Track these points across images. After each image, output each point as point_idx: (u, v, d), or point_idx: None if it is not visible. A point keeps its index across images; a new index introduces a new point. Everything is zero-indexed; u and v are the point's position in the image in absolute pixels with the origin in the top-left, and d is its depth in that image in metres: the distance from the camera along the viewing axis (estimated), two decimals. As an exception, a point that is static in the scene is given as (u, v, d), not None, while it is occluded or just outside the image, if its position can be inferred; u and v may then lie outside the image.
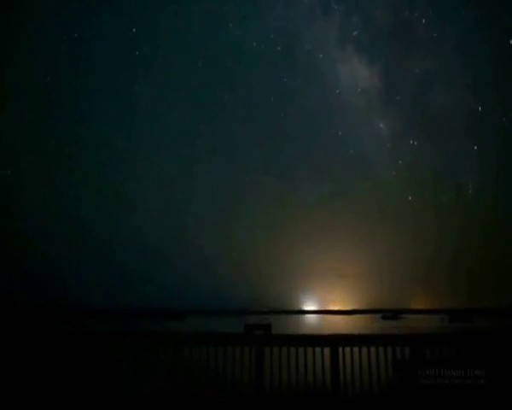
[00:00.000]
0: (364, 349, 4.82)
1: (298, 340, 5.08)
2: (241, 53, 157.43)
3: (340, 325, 64.42)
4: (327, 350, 4.86)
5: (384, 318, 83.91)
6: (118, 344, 5.19)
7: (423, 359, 4.82)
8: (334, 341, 4.93)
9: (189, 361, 4.97)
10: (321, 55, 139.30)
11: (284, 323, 63.65)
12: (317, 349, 4.88)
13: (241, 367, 4.90)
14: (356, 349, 4.84)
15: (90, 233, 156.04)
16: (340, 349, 4.85)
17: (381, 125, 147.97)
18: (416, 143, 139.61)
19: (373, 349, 4.80)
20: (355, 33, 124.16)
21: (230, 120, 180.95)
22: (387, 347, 4.81)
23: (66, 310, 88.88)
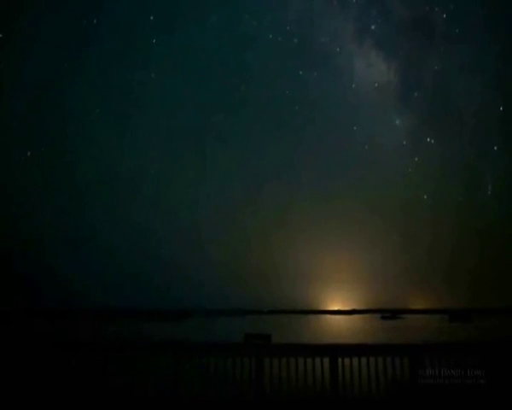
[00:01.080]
0: (363, 359, 4.86)
1: (297, 350, 5.12)
2: (258, 44, 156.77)
3: (340, 324, 64.37)
4: (326, 360, 4.90)
5: (383, 318, 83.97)
6: (118, 354, 5.24)
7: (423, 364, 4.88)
8: (334, 351, 4.98)
9: (190, 371, 5.01)
10: (337, 49, 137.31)
11: (285, 324, 63.56)
12: (317, 359, 4.92)
13: (241, 377, 4.94)
14: (355, 359, 4.87)
15: (91, 234, 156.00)
16: (340, 359, 4.89)
17: (398, 122, 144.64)
18: (433, 141, 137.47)
19: (372, 359, 4.84)
20: (373, 27, 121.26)
21: (245, 111, 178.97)
22: (386, 357, 4.85)
23: (66, 310, 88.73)
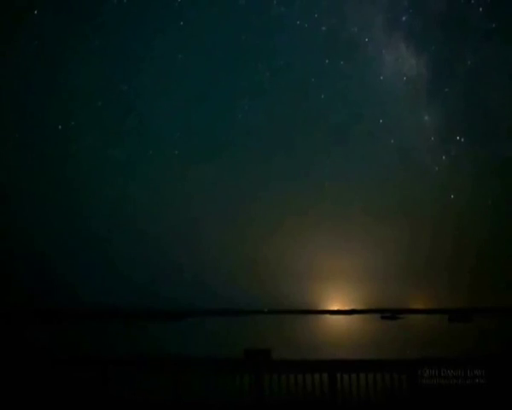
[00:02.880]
0: (362, 375, 4.87)
1: (296, 366, 5.14)
2: (285, 30, 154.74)
3: (340, 324, 64.39)
4: (325, 376, 4.92)
5: (383, 318, 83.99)
6: (117, 370, 5.25)
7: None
8: (333, 367, 5.01)
9: (190, 388, 5.03)
10: (366, 39, 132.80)
11: (285, 324, 63.58)
12: (316, 375, 4.93)
13: (241, 393, 4.97)
14: (354, 375, 4.88)
15: (92, 233, 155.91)
16: (339, 375, 4.91)
17: (426, 118, 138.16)
18: (462, 139, 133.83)
19: (371, 376, 4.86)
20: (404, 18, 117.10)
21: (270, 98, 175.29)
22: (385, 373, 4.87)
23: (65, 311, 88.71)
